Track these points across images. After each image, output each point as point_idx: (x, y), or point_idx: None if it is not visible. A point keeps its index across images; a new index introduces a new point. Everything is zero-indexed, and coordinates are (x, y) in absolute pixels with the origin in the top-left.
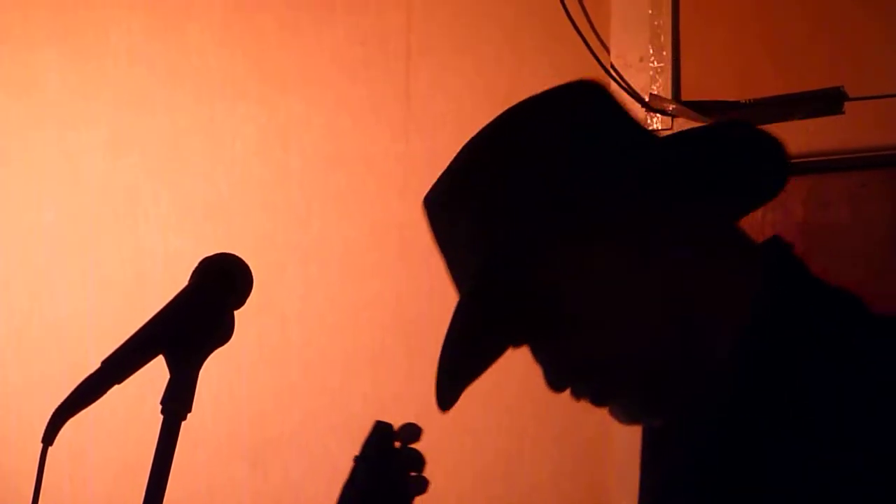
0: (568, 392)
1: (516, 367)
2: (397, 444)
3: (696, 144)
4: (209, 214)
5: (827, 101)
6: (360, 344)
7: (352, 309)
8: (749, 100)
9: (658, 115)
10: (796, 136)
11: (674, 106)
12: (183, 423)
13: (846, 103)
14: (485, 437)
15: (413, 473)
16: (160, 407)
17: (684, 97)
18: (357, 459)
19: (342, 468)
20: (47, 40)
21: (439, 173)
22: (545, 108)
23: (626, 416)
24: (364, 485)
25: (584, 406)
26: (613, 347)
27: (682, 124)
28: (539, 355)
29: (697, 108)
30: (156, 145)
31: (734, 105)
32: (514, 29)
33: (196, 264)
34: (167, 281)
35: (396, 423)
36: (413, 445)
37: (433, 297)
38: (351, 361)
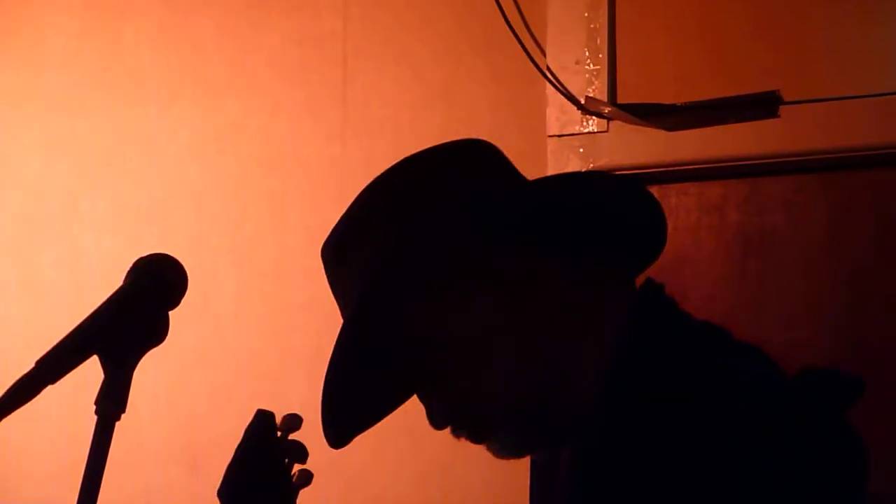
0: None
1: None
2: (279, 435)
3: (568, 196)
4: (144, 217)
5: (762, 105)
6: (295, 347)
7: (287, 312)
8: (685, 103)
9: (594, 117)
10: (732, 139)
11: (609, 109)
12: (118, 424)
13: (782, 107)
14: (421, 438)
15: (297, 465)
16: (94, 407)
17: (620, 100)
18: (236, 448)
19: None
20: None
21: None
22: (432, 162)
23: (501, 452)
24: (242, 473)
25: None
26: (483, 389)
27: (618, 127)
28: (420, 395)
29: (633, 111)
30: (90, 147)
31: (670, 108)
32: (450, 33)
33: (131, 265)
34: (102, 283)
35: None
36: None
37: None
38: (286, 364)
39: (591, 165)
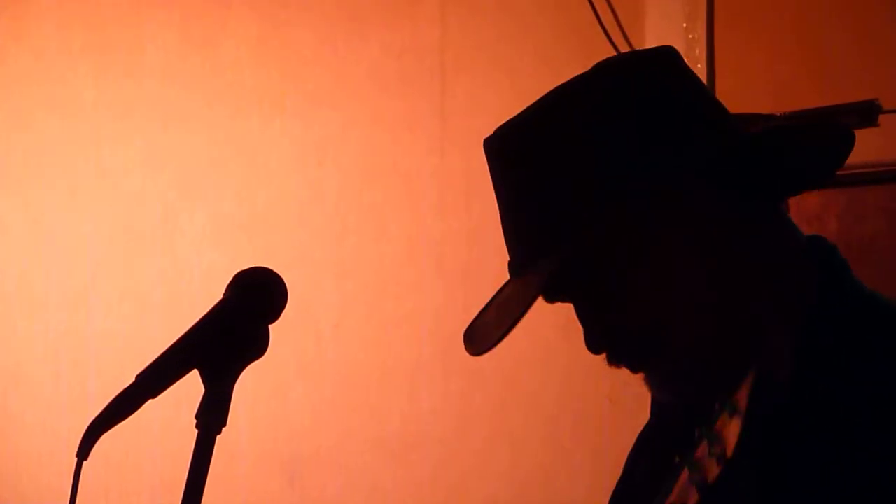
0: (607, 403)
1: (555, 377)
2: None
3: (777, 138)
4: (245, 229)
5: (861, 114)
6: (396, 359)
7: (388, 324)
8: (784, 112)
9: None
10: None
11: None
12: (219, 438)
13: (881, 116)
14: (524, 447)
15: None
16: (195, 421)
17: None
18: None
19: (379, 484)
20: (83, 57)
21: (474, 189)
22: (623, 74)
23: (656, 386)
24: None
25: (622, 420)
26: (653, 321)
27: None
28: (582, 316)
29: None
30: (191, 160)
31: (769, 118)
32: (549, 44)
33: (231, 278)
34: (202, 296)
35: (431, 442)
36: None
37: (470, 311)
38: (387, 377)
39: None
